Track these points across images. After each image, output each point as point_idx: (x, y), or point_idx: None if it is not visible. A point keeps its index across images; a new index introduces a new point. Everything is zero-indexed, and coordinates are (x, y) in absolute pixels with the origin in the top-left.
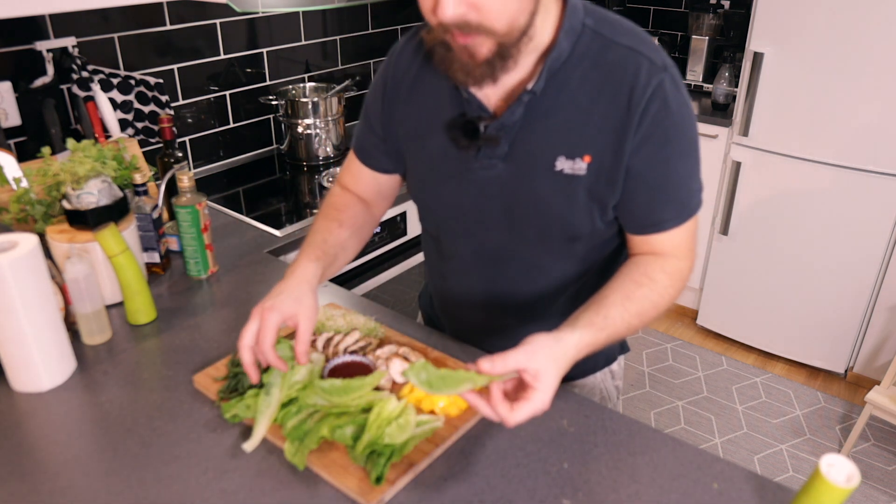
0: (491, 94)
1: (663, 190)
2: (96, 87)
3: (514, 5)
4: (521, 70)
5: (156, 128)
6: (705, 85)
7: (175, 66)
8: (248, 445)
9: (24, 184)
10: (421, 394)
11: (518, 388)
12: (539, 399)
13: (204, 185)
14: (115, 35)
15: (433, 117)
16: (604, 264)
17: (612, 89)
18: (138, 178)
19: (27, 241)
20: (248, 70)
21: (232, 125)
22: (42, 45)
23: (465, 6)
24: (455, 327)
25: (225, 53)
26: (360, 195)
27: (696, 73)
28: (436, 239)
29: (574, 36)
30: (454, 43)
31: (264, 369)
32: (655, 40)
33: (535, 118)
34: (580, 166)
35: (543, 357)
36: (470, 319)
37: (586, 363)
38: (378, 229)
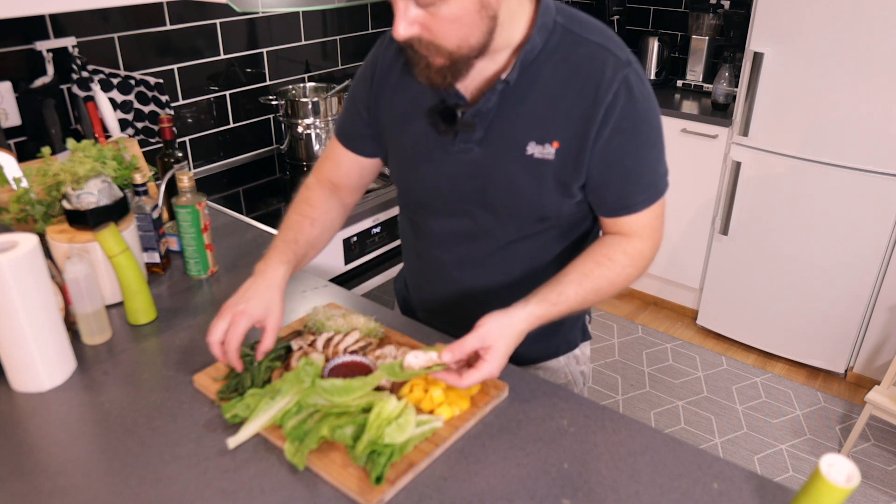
0: (469, 84)
1: (634, 176)
2: (96, 87)
3: (463, 28)
4: (496, 62)
5: (156, 128)
6: (705, 85)
7: (175, 66)
8: (232, 441)
9: (24, 184)
10: (421, 394)
11: (474, 357)
12: (486, 369)
13: (204, 185)
14: (115, 35)
15: (416, 104)
16: (570, 248)
17: (580, 81)
18: (138, 178)
19: (27, 241)
20: (248, 70)
21: (232, 125)
22: (42, 45)
23: (418, 27)
24: (425, 304)
25: (225, 53)
26: (338, 183)
27: (696, 73)
28: (413, 218)
29: (546, 32)
30: (416, 50)
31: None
32: (656, 41)
33: (508, 106)
34: (549, 151)
35: (494, 336)
36: (440, 295)
37: (547, 347)
38: (378, 229)
